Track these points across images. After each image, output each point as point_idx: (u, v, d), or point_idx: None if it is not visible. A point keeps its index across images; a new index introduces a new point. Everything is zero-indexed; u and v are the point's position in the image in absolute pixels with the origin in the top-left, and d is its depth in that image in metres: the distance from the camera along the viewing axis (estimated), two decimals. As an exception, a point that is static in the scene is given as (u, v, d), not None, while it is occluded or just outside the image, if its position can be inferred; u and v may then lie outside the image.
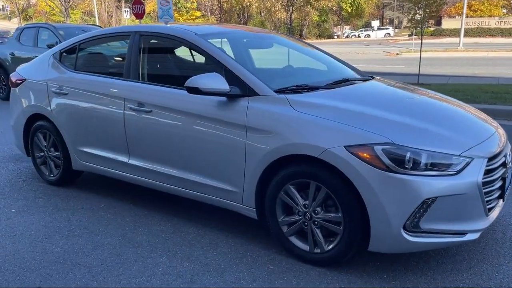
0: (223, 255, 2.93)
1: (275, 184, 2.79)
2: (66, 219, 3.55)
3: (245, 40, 3.81)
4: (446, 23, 38.15)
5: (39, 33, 10.06)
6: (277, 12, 39.33)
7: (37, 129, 4.28)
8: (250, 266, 2.78)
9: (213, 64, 3.15)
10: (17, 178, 4.58)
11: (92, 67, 4.07)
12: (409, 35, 51.57)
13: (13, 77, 4.53)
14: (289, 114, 2.73)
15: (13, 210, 3.76)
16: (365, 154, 2.44)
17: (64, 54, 4.18)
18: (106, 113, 3.64)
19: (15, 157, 5.30)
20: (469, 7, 40.63)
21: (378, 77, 3.73)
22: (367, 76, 3.68)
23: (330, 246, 2.67)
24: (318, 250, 2.73)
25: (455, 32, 33.17)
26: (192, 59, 3.74)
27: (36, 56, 9.91)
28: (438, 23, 50.77)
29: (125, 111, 3.49)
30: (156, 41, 3.74)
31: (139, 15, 17.39)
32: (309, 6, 39.78)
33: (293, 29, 43.32)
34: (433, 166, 2.42)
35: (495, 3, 35.16)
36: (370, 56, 23.79)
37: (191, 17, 46.64)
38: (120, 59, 3.93)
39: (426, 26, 13.27)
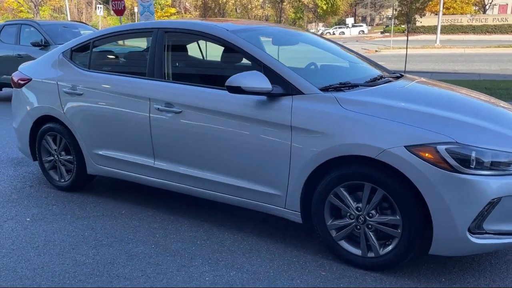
0: (269, 262, 2.81)
1: (324, 187, 2.69)
2: (88, 227, 3.35)
3: (273, 36, 3.68)
4: (421, 21, 38.68)
5: (21, 30, 9.64)
6: (254, 9, 39.26)
7: (46, 131, 4.04)
8: (301, 273, 2.67)
9: (251, 62, 3.02)
10: (23, 184, 4.33)
11: (108, 65, 3.87)
12: (382, 32, 52.39)
13: (16, 76, 4.27)
14: (339, 113, 2.63)
15: (28, 219, 3.53)
16: (427, 154, 2.36)
17: (76, 52, 3.95)
18: (128, 114, 3.45)
19: (14, 162, 5.02)
20: (442, 4, 41.44)
21: (408, 75, 3.67)
22: (397, 73, 3.62)
23: (386, 250, 2.59)
24: (372, 255, 2.64)
25: (429, 30, 33.80)
26: (221, 57, 3.58)
27: (19, 55, 9.65)
28: (409, 20, 51.51)
29: (151, 112, 3.31)
30: (182, 38, 3.57)
31: (119, 11, 16.96)
32: (285, 3, 39.87)
33: (269, 26, 43.17)
34: (495, 165, 2.36)
35: (466, 1, 36.04)
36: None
37: (166, 14, 46.00)
38: (141, 57, 3.74)
39: (411, 23, 13.42)
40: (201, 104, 3.09)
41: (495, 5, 42.78)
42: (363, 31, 53.53)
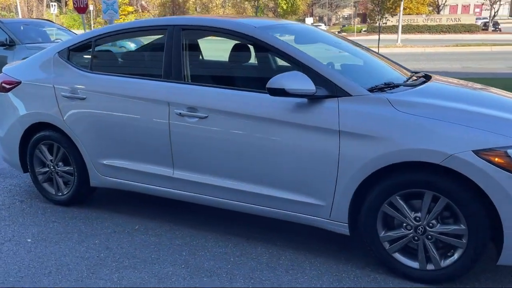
0: (317, 278, 2.59)
1: (376, 196, 2.49)
2: (103, 246, 3.01)
3: (295, 34, 3.45)
4: (392, 20, 39.41)
5: (-19, 29, 8.92)
6: (215, 8, 38.83)
7: (39, 140, 3.64)
8: (356, 290, 2.47)
9: (287, 62, 2.78)
10: (11, 199, 3.89)
11: (113, 67, 3.52)
12: (339, 32, 53.31)
13: (0, 79, 3.82)
14: (395, 116, 2.44)
15: (29, 240, 3.14)
16: (497, 159, 2.21)
17: (74, 52, 3.56)
18: (142, 120, 3.13)
19: (-5, 173, 4.54)
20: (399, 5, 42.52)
21: (435, 75, 3.54)
22: (422, 73, 3.48)
23: (449, 262, 2.43)
24: (432, 267, 2.47)
25: (388, 29, 34.53)
26: (248, 56, 3.31)
27: (-22, 55, 8.90)
28: (364, 20, 52.84)
29: (170, 117, 3.00)
30: (202, 36, 3.27)
31: (81, 9, 16.20)
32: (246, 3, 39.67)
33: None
34: None
35: (421, 1, 37.15)
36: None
37: (123, 12, 44.60)
38: (153, 57, 3.42)
39: (383, 22, 13.60)
40: (231, 108, 2.82)
41: (446, 5, 44.38)
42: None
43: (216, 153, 2.91)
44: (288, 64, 2.84)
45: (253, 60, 3.32)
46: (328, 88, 2.60)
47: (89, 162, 3.45)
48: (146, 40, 3.78)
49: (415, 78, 3.19)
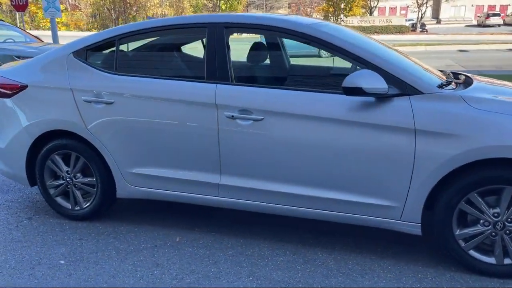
0: (396, 281, 2.54)
1: (454, 194, 2.49)
2: (151, 263, 2.76)
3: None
4: (346, 20, 40.36)
5: None
6: (152, 8, 37.78)
7: (53, 150, 3.28)
8: (439, 290, 2.45)
9: (351, 61, 2.71)
10: (16, 217, 3.48)
11: (144, 68, 3.25)
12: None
13: (3, 83, 3.40)
14: (472, 113, 2.45)
15: (62, 262, 2.81)
16: None
17: (93, 52, 3.25)
18: (184, 124, 2.92)
19: (-18, 188, 4.05)
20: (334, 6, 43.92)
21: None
22: (448, 71, 3.54)
23: (527, 255, 2.47)
24: (509, 261, 2.50)
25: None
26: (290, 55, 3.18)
27: None
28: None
29: (219, 121, 2.82)
30: (248, 35, 3.10)
31: (20, 7, 15.17)
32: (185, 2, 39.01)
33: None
34: None
35: (356, 3, 38.53)
36: None
37: (52, 12, 42.04)
38: (190, 57, 3.20)
39: (338, 23, 13.90)
40: (290, 109, 2.70)
41: (375, 7, 46.42)
42: (260, 31, 54.36)
43: (273, 157, 2.77)
44: (348, 63, 2.77)
45: (301, 58, 3.20)
46: (398, 86, 2.55)
47: (116, 171, 3.16)
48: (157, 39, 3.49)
49: (453, 77, 3.23)
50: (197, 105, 2.87)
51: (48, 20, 35.45)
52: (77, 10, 42.78)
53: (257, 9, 72.03)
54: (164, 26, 3.12)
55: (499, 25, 42.89)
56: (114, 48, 3.19)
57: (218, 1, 41.16)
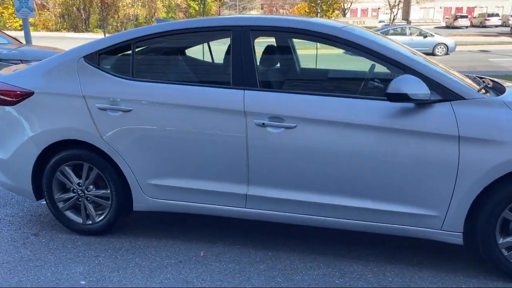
0: (441, 293, 2.46)
1: (498, 202, 2.43)
2: (180, 280, 2.61)
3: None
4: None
5: None
6: (125, 8, 37.02)
7: (63, 161, 3.07)
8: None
9: (387, 66, 2.62)
10: (20, 233, 3.25)
11: (163, 73, 3.07)
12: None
13: (0, 89, 3.16)
14: None
15: (83, 282, 2.62)
16: None
17: (106, 56, 3.06)
18: (208, 132, 2.77)
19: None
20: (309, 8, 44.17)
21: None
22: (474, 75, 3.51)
23: None
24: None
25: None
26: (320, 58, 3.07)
27: None
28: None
29: (248, 129, 2.68)
30: (274, 38, 2.97)
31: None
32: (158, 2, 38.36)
33: (140, 26, 41.16)
34: None
35: (335, 5, 38.79)
36: None
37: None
38: (211, 61, 3.04)
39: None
40: (325, 116, 2.59)
41: (348, 9, 46.99)
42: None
43: (306, 166, 2.65)
44: (384, 68, 2.68)
45: (341, 64, 3.10)
46: (438, 91, 2.48)
47: (133, 183, 2.98)
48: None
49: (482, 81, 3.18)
50: (223, 112, 2.73)
51: (16, 20, 34.31)
52: (45, 10, 41.50)
53: (230, 10, 71.82)
54: (184, 29, 2.95)
55: (466, 27, 44.06)
56: (130, 52, 3.00)
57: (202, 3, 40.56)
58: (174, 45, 3.23)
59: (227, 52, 3.03)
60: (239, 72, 2.76)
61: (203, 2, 42.61)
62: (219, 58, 3.18)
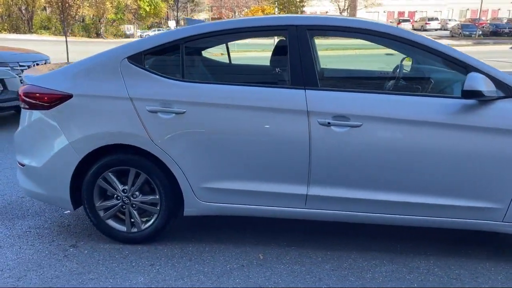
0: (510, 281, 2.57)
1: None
2: (252, 284, 2.55)
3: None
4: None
5: None
6: (74, 8, 35.53)
7: (107, 167, 2.92)
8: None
9: (450, 65, 2.70)
10: (55, 246, 3.05)
11: (215, 74, 3.00)
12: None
13: (30, 92, 2.96)
14: None
15: (151, 293, 2.50)
16: None
17: (152, 56, 2.94)
18: (268, 133, 2.73)
19: (6, 215, 3.52)
20: (263, 10, 44.33)
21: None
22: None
23: None
24: None
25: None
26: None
27: None
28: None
29: (311, 128, 2.68)
30: (331, 37, 2.97)
31: None
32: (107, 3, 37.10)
33: (87, 27, 39.86)
34: None
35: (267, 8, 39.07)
36: None
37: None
38: (267, 61, 3.00)
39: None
40: (390, 114, 2.63)
41: (301, 13, 47.84)
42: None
43: (371, 164, 2.68)
44: (443, 67, 2.76)
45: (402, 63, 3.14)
46: (501, 88, 2.59)
47: (186, 187, 2.88)
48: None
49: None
50: (284, 112, 2.70)
51: None
52: (-17, 10, 39.05)
53: (179, 12, 70.84)
54: (237, 28, 2.90)
55: (409, 30, 46.23)
56: (178, 53, 2.90)
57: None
58: (217, 44, 3.16)
59: (279, 52, 3.00)
60: (298, 71, 2.74)
61: (153, 3, 41.79)
62: (279, 57, 3.13)
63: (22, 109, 3.08)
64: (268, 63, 3.25)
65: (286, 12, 12.42)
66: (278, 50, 3.05)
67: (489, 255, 2.87)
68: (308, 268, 2.73)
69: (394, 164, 2.66)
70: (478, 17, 51.65)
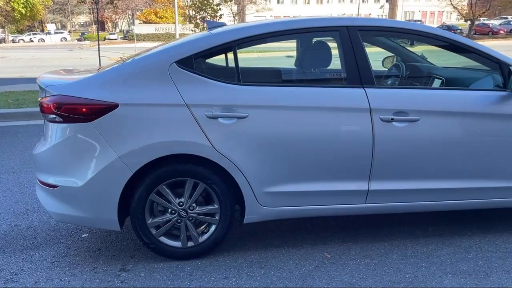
0: None
1: None
2: (339, 281, 2.58)
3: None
4: (138, 28, 39.07)
5: None
6: None
7: (160, 180, 2.71)
8: None
9: (489, 63, 3.00)
10: (111, 272, 2.75)
11: (272, 76, 2.94)
12: (78, 40, 50.90)
13: (68, 102, 2.62)
14: None
15: (248, 305, 2.40)
16: None
17: (202, 59, 2.80)
18: (333, 131, 2.78)
19: (31, 242, 3.04)
20: (156, 13, 43.05)
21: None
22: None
23: None
24: None
25: (148, 37, 34.76)
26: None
27: None
28: (103, 28, 51.52)
29: (374, 125, 2.79)
30: (379, 37, 3.09)
31: None
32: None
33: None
34: None
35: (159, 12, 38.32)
36: (92, 62, 22.41)
37: None
38: (319, 62, 3.01)
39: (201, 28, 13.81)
40: (445, 108, 2.85)
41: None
42: (65, 38, 50.12)
43: (429, 155, 2.86)
44: (478, 63, 3.05)
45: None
46: None
47: (248, 193, 2.79)
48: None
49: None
50: (347, 111, 2.77)
51: None
52: None
53: (55, 14, 65.90)
54: (290, 30, 2.89)
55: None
56: (232, 55, 2.81)
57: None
58: (280, 46, 3.11)
59: (322, 53, 3.05)
60: (355, 71, 2.83)
61: (30, 4, 38.28)
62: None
63: (50, 124, 2.71)
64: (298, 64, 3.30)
65: (201, 14, 12.30)
66: (320, 51, 3.11)
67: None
68: (379, 260, 2.83)
69: (449, 154, 2.87)
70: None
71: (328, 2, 65.16)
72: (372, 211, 2.96)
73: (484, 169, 2.94)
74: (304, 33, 2.98)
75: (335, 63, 2.96)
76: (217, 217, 2.83)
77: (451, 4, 40.90)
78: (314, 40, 3.17)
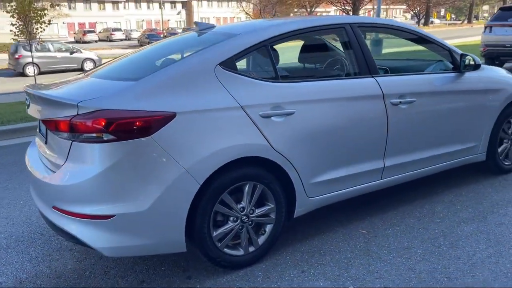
0: None
1: None
2: (394, 248, 2.90)
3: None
4: None
5: None
6: None
7: (223, 188, 2.58)
8: None
9: (440, 49, 3.68)
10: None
11: (307, 71, 3.03)
12: None
13: (121, 117, 2.29)
14: None
15: (351, 288, 2.53)
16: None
17: (241, 60, 2.75)
18: (361, 118, 3.07)
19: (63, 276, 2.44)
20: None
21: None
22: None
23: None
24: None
25: None
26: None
27: None
28: None
29: (387, 108, 3.18)
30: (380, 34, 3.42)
31: None
32: None
33: None
34: None
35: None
36: None
37: None
38: (335, 57, 3.22)
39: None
40: (428, 89, 3.42)
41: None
42: None
43: (427, 128, 3.40)
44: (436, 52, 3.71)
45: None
46: None
47: (299, 187, 2.87)
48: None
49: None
50: (367, 98, 3.10)
51: None
52: None
53: None
54: (306, 28, 3.05)
55: (96, 41, 46.24)
56: (266, 54, 2.83)
57: None
58: (307, 43, 3.23)
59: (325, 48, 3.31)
60: (363, 62, 3.17)
61: None
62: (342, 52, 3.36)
63: (84, 145, 2.32)
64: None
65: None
66: (323, 47, 3.35)
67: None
68: (405, 228, 3.21)
69: (440, 125, 3.46)
70: (152, 27, 56.48)
71: (124, 8, 63.75)
72: (386, 185, 3.35)
73: (452, 136, 3.61)
74: (318, 31, 3.18)
75: (345, 57, 3.25)
76: (272, 216, 2.82)
77: (244, 10, 44.78)
78: (327, 36, 3.41)
